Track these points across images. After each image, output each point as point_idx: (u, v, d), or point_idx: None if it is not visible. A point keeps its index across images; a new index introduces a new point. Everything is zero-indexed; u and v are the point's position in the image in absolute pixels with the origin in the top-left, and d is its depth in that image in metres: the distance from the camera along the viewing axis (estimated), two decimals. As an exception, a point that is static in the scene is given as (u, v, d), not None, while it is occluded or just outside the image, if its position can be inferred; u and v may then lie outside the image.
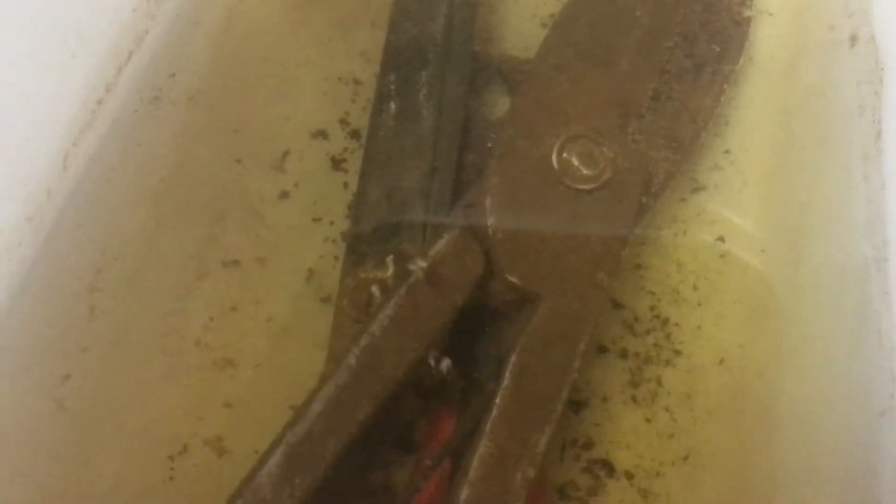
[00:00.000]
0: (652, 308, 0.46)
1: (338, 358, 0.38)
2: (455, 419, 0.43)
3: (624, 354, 0.45)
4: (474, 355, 0.42)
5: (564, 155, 0.43)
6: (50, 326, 0.37)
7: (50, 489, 0.39)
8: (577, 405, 0.44)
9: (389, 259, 0.41)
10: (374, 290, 0.43)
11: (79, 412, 0.40)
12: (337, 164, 0.50)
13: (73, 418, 0.40)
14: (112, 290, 0.40)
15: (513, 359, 0.38)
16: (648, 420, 0.44)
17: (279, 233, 0.48)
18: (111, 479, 0.44)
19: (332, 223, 0.48)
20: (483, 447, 0.37)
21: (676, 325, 0.45)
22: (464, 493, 0.36)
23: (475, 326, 0.42)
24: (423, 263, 0.39)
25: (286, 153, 0.50)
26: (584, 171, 0.42)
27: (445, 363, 0.39)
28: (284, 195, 0.49)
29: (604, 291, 0.41)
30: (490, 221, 0.41)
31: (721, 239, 0.46)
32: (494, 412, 0.37)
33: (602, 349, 0.45)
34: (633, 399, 0.44)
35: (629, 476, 0.43)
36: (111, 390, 0.41)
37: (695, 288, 0.45)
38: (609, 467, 0.43)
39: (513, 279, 0.40)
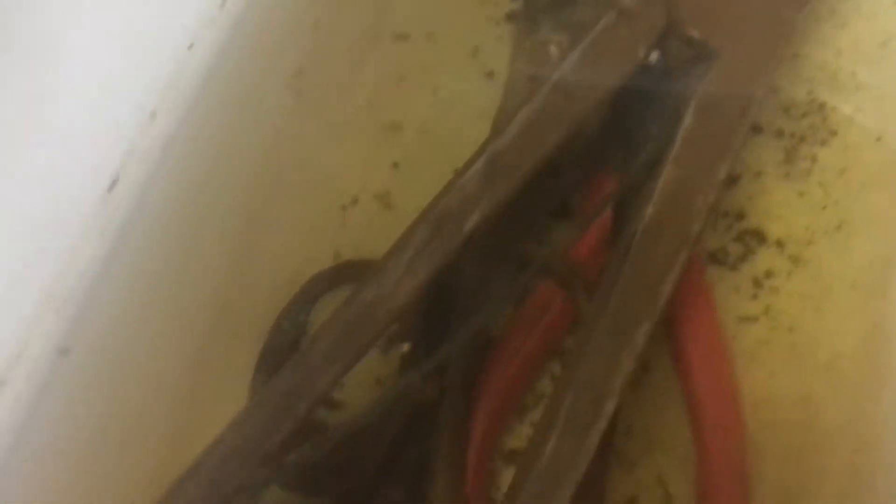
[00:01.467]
0: (809, 93, 0.47)
1: (533, 87, 0.40)
2: (614, 183, 0.45)
3: (779, 134, 0.47)
4: (640, 116, 0.44)
5: (743, -75, 0.44)
6: (283, 29, 0.40)
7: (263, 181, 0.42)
8: (730, 179, 0.46)
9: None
10: (553, 48, 0.45)
11: (311, 101, 0.43)
12: (502, -54, 0.52)
13: (307, 106, 0.42)
14: (329, 11, 0.43)
15: (695, 100, 0.40)
16: (801, 194, 0.46)
17: (446, 10, 0.51)
18: (287, 221, 0.47)
19: (496, 4, 0.51)
20: (667, 172, 0.39)
21: (833, 108, 0.46)
22: (650, 210, 0.38)
23: (645, 86, 0.44)
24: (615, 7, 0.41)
25: (453, -69, 0.52)
26: (763, -57, 0.44)
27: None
28: (452, -26, 0.51)
29: (777, 58, 0.43)
30: (671, -21, 0.43)
31: (881, 29, 0.47)
32: (678, 144, 0.39)
33: (757, 129, 0.47)
34: (787, 175, 0.46)
35: (780, 244, 0.45)
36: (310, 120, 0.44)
37: (853, 75, 0.47)
38: (760, 236, 0.46)
39: (693, 33, 0.42)
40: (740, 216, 0.46)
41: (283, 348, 0.44)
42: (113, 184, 0.33)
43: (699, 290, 0.44)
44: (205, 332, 0.42)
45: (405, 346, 0.40)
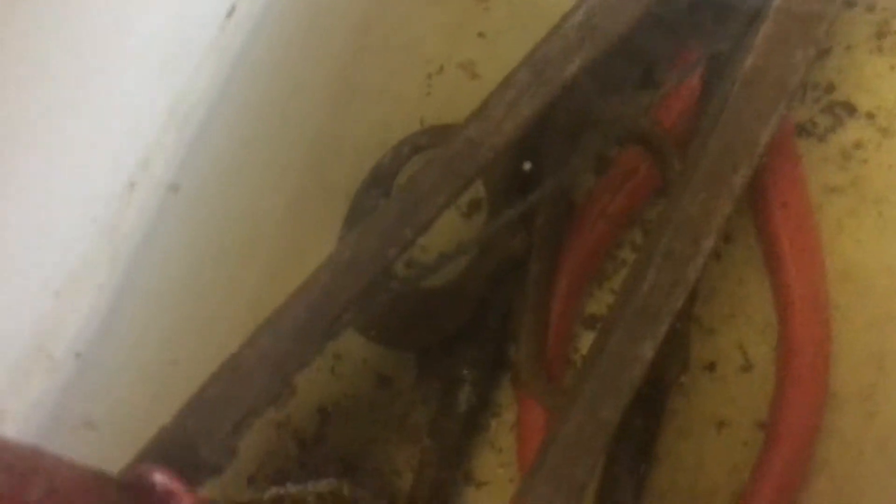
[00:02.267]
0: (901, -27, 0.46)
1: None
2: (703, 49, 0.45)
3: (871, 8, 0.46)
4: None
5: None
6: None
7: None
8: (820, 52, 0.46)
9: None
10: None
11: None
12: None
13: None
14: None
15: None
16: (893, 67, 0.45)
17: None
18: (375, 86, 0.48)
19: None
20: (766, 28, 0.39)
21: (928, -18, 0.46)
22: (749, 60, 0.38)
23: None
24: None
25: None
26: None
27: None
28: None
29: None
30: None
31: None
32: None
33: (849, 3, 0.46)
34: (878, 49, 0.46)
35: (870, 116, 0.45)
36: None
37: (950, -53, 0.46)
38: (849, 108, 0.45)
39: None
40: (830, 88, 0.46)
41: (374, 197, 0.45)
42: (231, 10, 0.34)
43: (789, 157, 0.44)
44: (301, 181, 0.43)
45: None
